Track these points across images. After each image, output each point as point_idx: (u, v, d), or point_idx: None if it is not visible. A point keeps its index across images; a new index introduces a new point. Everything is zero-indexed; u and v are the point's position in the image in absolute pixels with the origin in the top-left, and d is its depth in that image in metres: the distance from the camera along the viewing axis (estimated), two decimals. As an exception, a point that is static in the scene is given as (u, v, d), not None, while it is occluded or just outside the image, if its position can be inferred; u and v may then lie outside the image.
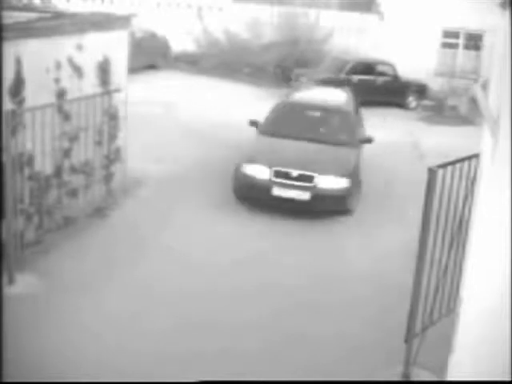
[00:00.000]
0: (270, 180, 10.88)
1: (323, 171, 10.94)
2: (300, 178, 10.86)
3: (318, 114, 12.68)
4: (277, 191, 10.83)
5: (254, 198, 11.15)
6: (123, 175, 11.06)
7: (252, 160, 11.14)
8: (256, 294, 8.31)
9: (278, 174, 10.91)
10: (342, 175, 10.96)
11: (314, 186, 10.81)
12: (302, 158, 11.26)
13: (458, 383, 4.84)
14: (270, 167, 10.92)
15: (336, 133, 12.29)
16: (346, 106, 13.03)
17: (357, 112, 13.61)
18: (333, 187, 10.90)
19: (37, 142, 8.51)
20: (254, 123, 12.51)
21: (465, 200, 6.42)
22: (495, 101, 4.50)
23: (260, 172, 10.94)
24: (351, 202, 11.11)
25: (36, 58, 8.62)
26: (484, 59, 21.53)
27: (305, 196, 10.79)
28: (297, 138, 11.82)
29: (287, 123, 12.40)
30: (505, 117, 4.05)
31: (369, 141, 12.36)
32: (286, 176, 10.88)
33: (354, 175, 11.18)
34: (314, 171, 10.89)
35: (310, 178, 10.86)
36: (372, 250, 9.97)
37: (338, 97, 13.73)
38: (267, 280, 8.70)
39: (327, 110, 12.83)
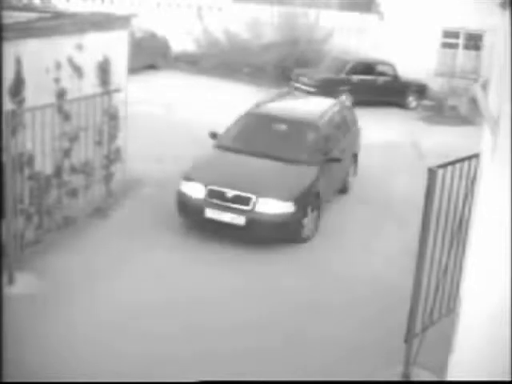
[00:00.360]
0: (204, 200, 9.68)
1: (263, 193, 9.57)
2: (236, 199, 9.57)
3: (283, 127, 11.15)
4: (210, 213, 9.60)
5: (189, 219, 10.08)
6: (123, 175, 11.06)
7: (189, 177, 9.97)
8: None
9: (212, 194, 9.68)
10: (286, 199, 9.58)
11: (251, 210, 9.49)
12: (245, 177, 9.96)
13: (458, 383, 4.84)
14: (205, 186, 9.73)
15: (297, 150, 10.75)
16: (319, 121, 11.26)
17: (347, 125, 12.41)
18: (273, 212, 9.54)
19: (37, 142, 8.51)
20: (214, 135, 11.24)
21: (465, 200, 6.42)
22: (495, 101, 4.50)
23: (195, 190, 9.76)
24: (298, 230, 9.76)
25: (36, 58, 8.62)
26: (484, 59, 21.52)
27: (239, 220, 9.48)
28: (252, 154, 10.48)
29: (247, 137, 11.14)
30: (505, 117, 4.05)
31: (336, 160, 10.83)
32: (222, 197, 9.63)
33: (303, 199, 9.80)
34: (252, 193, 9.54)
35: (246, 201, 9.52)
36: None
37: (315, 109, 12.00)
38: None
39: (294, 124, 11.22)
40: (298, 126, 11.22)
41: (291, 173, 10.22)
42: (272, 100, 12.64)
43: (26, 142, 8.39)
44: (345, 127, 12.29)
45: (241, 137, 11.11)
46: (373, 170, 13.57)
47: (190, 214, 9.97)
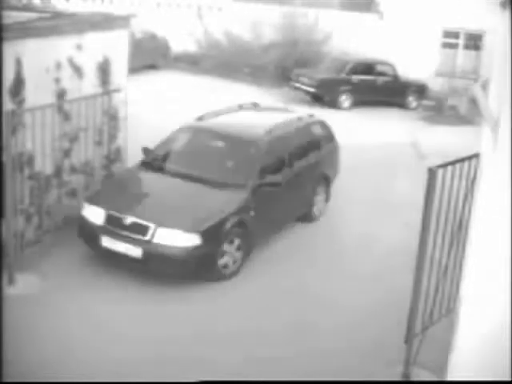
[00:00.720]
0: (101, 226, 8.44)
1: (164, 222, 8.21)
2: (133, 227, 8.24)
3: (220, 144, 9.81)
4: (106, 242, 8.34)
5: (88, 246, 8.78)
6: (123, 175, 11.04)
7: (91, 199, 8.84)
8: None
9: (110, 220, 8.43)
10: (189, 230, 8.11)
11: (149, 241, 8.12)
12: (151, 203, 8.80)
13: (458, 383, 4.84)
14: (106, 210, 8.50)
15: (227, 171, 9.36)
16: (262, 138, 9.63)
17: (315, 144, 10.84)
18: (172, 244, 8.11)
19: (37, 142, 8.51)
20: (146, 151, 9.95)
21: (465, 200, 6.42)
22: (495, 101, 4.50)
23: (95, 215, 8.55)
24: (212, 266, 8.33)
25: (36, 58, 8.62)
26: (484, 59, 21.53)
27: (136, 252, 8.13)
28: (175, 175, 9.19)
29: (176, 154, 9.89)
30: (505, 117, 4.06)
31: (274, 185, 9.32)
32: (119, 224, 8.34)
33: (217, 230, 8.36)
34: (152, 221, 8.20)
35: (144, 229, 8.18)
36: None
37: (267, 124, 10.11)
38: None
39: (232, 141, 9.77)
40: (236, 143, 9.76)
41: (210, 198, 8.80)
42: (222, 112, 10.82)
43: (26, 142, 8.40)
44: (310, 146, 10.72)
45: (169, 154, 9.86)
46: (369, 177, 13.56)
47: (88, 241, 8.70)
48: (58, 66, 9.10)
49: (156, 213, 8.44)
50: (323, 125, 11.42)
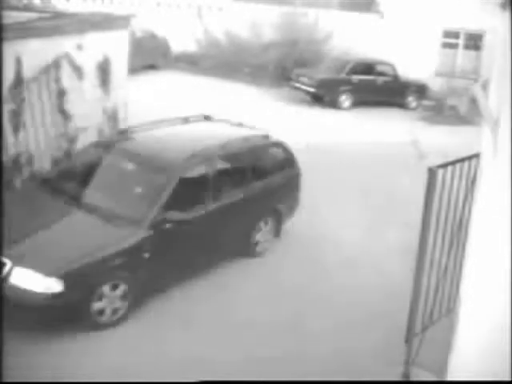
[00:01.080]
0: None
1: (23, 260, 6.79)
2: None
3: (130, 168, 8.29)
4: None
5: None
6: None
7: None
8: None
9: None
10: (51, 273, 6.66)
11: (3, 280, 6.68)
12: (20, 232, 7.18)
13: (458, 383, 4.84)
14: None
15: (125, 202, 7.80)
16: (181, 165, 8.06)
17: (262, 171, 9.30)
18: (29, 289, 6.65)
19: (37, 141, 8.51)
20: (55, 163, 9.02)
21: (465, 200, 6.43)
22: (495, 101, 4.50)
23: None
24: (79, 316, 6.95)
25: (36, 57, 8.63)
26: (484, 59, 21.54)
27: None
28: (67, 200, 7.84)
29: (78, 174, 8.42)
30: (505, 117, 4.06)
31: (182, 223, 7.75)
32: None
33: (86, 275, 6.91)
34: (9, 256, 6.69)
35: (0, 266, 6.71)
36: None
37: (196, 146, 8.49)
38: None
39: (142, 165, 8.18)
40: (145, 168, 8.18)
41: (92, 233, 7.36)
42: (154, 126, 9.18)
43: (25, 142, 8.40)
44: (254, 174, 9.10)
45: (70, 173, 8.46)
46: (368, 176, 13.54)
47: None
48: (59, 65, 9.11)
49: (19, 247, 7.00)
50: (283, 148, 9.69)
